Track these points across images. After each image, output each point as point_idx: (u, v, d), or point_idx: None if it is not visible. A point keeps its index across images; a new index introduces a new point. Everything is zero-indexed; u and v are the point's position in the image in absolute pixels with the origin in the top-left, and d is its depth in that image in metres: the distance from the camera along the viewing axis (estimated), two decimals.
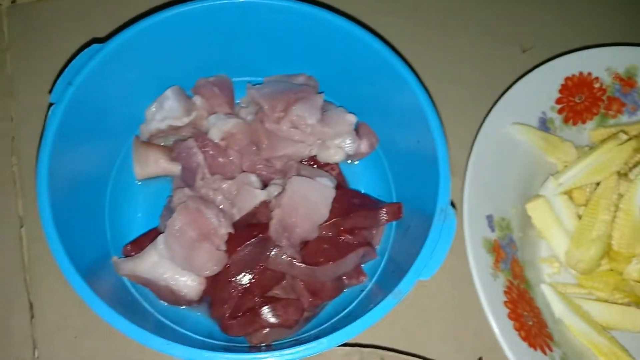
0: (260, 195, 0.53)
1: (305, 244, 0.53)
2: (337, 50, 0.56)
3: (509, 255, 0.55)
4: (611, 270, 0.58)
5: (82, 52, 0.52)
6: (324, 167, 0.58)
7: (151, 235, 0.53)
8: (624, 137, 0.59)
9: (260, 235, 0.51)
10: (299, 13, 0.54)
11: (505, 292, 0.52)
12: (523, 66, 0.65)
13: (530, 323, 0.52)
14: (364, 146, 0.59)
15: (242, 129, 0.57)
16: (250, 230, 0.52)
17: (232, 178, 0.55)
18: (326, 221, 0.53)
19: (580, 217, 0.58)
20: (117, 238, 0.55)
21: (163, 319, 0.51)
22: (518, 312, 0.52)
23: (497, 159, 0.58)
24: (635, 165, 0.59)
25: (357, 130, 0.59)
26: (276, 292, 0.53)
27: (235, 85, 0.61)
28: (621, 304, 0.57)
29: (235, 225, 0.52)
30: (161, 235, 0.51)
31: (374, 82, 0.56)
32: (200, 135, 0.57)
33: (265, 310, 0.50)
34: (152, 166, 0.57)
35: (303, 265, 0.50)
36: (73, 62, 0.52)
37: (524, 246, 0.58)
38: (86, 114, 0.52)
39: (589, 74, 0.62)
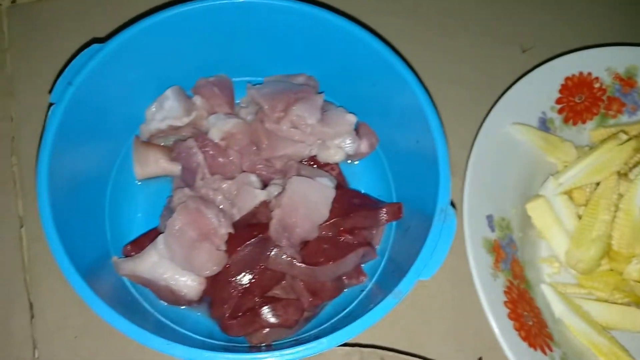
0: (260, 195, 0.53)
1: (305, 244, 0.52)
2: (337, 50, 0.56)
3: (509, 255, 0.55)
4: (611, 270, 0.58)
5: (82, 52, 0.52)
6: (324, 167, 0.58)
7: (151, 235, 0.53)
8: (624, 137, 0.59)
9: (260, 235, 0.51)
10: (299, 13, 0.54)
11: (505, 292, 0.52)
12: (523, 66, 0.65)
13: (530, 323, 0.52)
14: (364, 146, 0.58)
15: (242, 129, 0.57)
16: (250, 230, 0.52)
17: (232, 178, 0.55)
18: (326, 221, 0.53)
19: (580, 217, 0.58)
20: (117, 238, 0.55)
21: (163, 319, 0.51)
22: (518, 312, 0.52)
23: (497, 159, 0.58)
24: (635, 165, 0.59)
25: (357, 130, 0.59)
26: (276, 292, 0.53)
27: (235, 85, 0.61)
28: (621, 304, 0.57)
29: (235, 225, 0.52)
30: (161, 235, 0.51)
31: (374, 82, 0.56)
32: (200, 135, 0.56)
33: (265, 310, 0.50)
34: (152, 166, 0.57)
35: (303, 265, 0.50)
36: (73, 62, 0.52)
37: (524, 246, 0.58)
38: (86, 114, 0.52)
39: (589, 74, 0.62)
